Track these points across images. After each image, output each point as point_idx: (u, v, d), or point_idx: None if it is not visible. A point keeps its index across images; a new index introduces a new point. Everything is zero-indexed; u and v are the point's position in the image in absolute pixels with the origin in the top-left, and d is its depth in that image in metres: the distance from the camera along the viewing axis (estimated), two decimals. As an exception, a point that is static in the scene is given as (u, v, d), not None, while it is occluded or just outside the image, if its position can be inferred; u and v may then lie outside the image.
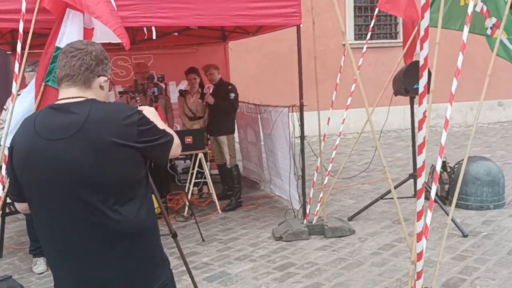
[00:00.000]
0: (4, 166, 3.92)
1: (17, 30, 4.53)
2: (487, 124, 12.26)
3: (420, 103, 2.38)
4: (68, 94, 1.74)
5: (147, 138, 1.75)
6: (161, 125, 1.97)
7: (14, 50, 5.63)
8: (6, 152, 3.83)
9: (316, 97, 4.76)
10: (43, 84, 3.89)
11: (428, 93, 2.45)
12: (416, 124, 2.62)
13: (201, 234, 4.97)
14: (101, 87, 1.80)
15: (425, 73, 2.35)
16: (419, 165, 2.47)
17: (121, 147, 1.68)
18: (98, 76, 1.77)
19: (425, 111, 2.40)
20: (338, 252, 4.44)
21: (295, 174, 5.34)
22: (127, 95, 5.61)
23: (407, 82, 4.88)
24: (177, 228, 5.40)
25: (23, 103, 4.03)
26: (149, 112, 2.03)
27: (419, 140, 2.43)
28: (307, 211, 5.00)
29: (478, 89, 4.06)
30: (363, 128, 4.66)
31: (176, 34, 6.71)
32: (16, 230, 5.55)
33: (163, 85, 6.97)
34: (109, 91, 3.95)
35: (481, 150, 8.74)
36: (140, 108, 2.09)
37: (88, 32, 4.01)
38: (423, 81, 2.36)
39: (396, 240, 4.68)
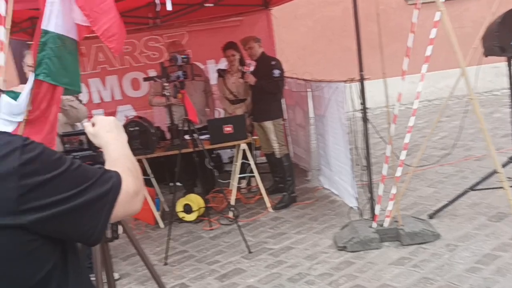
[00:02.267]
0: None
1: (36, 17, 3.85)
2: None
3: None
4: None
5: (43, 200, 0.88)
6: (120, 151, 1.10)
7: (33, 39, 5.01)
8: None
9: (382, 66, 3.72)
10: (33, 78, 3.12)
11: None
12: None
13: (247, 245, 4.12)
14: None
15: None
16: None
17: None
18: None
19: None
20: (421, 269, 3.42)
21: (357, 164, 4.32)
22: (152, 81, 4.81)
23: (503, 38, 3.68)
24: (221, 234, 4.61)
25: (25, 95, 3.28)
26: (102, 130, 1.16)
27: None
28: (376, 212, 4.00)
29: None
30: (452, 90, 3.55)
31: (211, 5, 5.81)
32: None
33: (201, 66, 6.14)
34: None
35: None
36: (86, 125, 1.22)
37: (81, 29, 3.18)
38: None
39: (499, 248, 3.57)
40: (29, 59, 3.52)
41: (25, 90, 3.18)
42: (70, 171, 0.93)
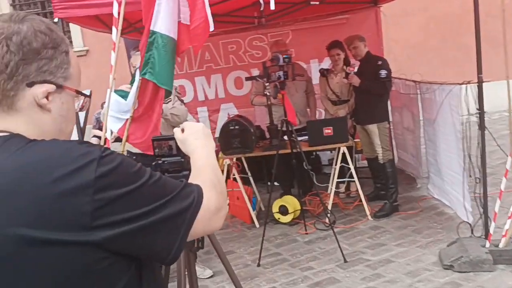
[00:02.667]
0: None
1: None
2: None
3: None
4: None
5: (118, 215, 0.83)
6: (207, 165, 1.05)
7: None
8: (109, 137, 3.41)
9: (505, 66, 3.33)
10: (139, 76, 3.25)
11: None
12: None
13: (342, 253, 3.93)
14: (43, 106, 0.91)
15: None
16: None
17: (47, 247, 0.79)
18: (31, 85, 0.89)
19: None
20: (543, 300, 3.00)
21: (470, 176, 3.91)
22: (254, 81, 4.79)
23: None
24: (316, 239, 4.47)
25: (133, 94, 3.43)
26: (190, 136, 1.12)
27: None
28: (491, 230, 3.59)
29: None
30: None
31: (317, 3, 5.67)
32: None
33: (304, 65, 6.04)
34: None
35: None
36: (176, 130, 1.19)
37: (183, 28, 3.23)
38: None
39: None
40: (135, 60, 3.66)
41: (133, 89, 3.32)
42: (148, 184, 0.88)
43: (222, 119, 6.58)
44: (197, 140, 1.21)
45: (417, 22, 9.21)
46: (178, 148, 1.28)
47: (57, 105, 0.93)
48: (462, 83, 3.76)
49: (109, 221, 0.81)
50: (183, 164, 1.35)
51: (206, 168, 1.09)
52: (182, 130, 1.27)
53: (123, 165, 0.86)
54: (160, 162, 1.38)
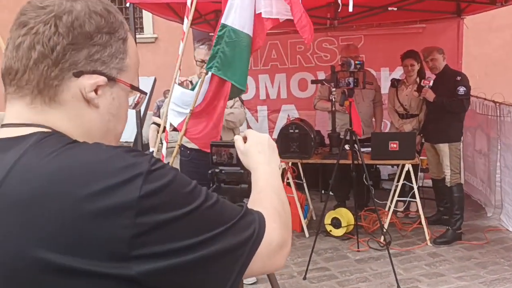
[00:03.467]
0: (165, 145, 3.38)
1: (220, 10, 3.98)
2: None
3: None
4: (10, 114, 0.77)
5: (163, 245, 0.67)
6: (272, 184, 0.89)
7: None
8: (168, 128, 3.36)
9: None
10: (204, 70, 3.14)
11: None
12: None
13: (396, 278, 3.65)
14: (90, 101, 0.77)
15: None
16: None
17: (70, 278, 0.64)
18: (78, 75, 0.75)
19: None
20: None
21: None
22: (319, 84, 4.59)
23: None
24: (369, 258, 4.21)
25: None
26: (253, 148, 0.97)
27: None
28: None
29: None
30: None
31: (395, 9, 5.37)
32: None
33: (373, 72, 5.75)
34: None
35: None
36: (237, 138, 1.04)
37: (259, 19, 3.10)
38: None
39: None
40: (198, 54, 3.56)
41: (199, 82, 3.22)
42: (202, 209, 0.72)
43: (281, 120, 6.41)
44: (260, 154, 1.03)
45: (501, 38, 8.62)
46: (239, 158, 1.12)
47: (107, 101, 0.79)
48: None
49: (150, 251, 0.66)
50: (243, 176, 1.19)
51: (269, 191, 0.92)
52: (244, 139, 1.11)
53: (175, 183, 0.70)
54: (217, 170, 1.22)
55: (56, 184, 0.65)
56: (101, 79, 0.77)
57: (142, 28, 10.59)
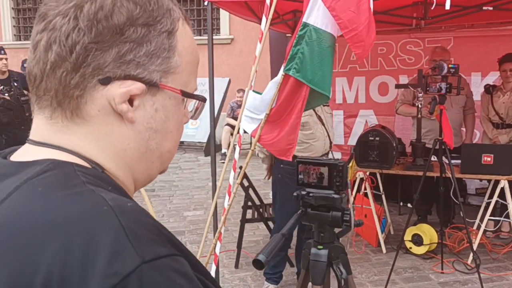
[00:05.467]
0: (238, 150, 3.19)
1: (300, 10, 3.78)
2: None
3: None
4: (32, 128, 0.63)
5: None
6: None
7: (293, 32, 5.02)
8: (242, 132, 3.18)
9: None
10: (282, 72, 2.95)
11: None
12: None
13: (488, 309, 3.26)
14: (123, 115, 0.59)
15: None
16: None
17: None
18: (105, 82, 0.58)
19: None
20: None
21: None
22: (405, 90, 4.24)
23: None
24: (454, 282, 3.83)
25: (270, 90, 3.15)
26: None
27: None
28: None
29: None
30: None
31: (491, 8, 4.88)
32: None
33: (463, 77, 5.27)
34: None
35: None
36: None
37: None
38: None
39: None
40: None
41: (272, 85, 3.04)
42: None
43: (358, 125, 6.11)
44: None
45: None
46: (331, 178, 0.91)
47: (147, 113, 0.61)
48: None
49: None
50: (336, 202, 0.98)
51: None
52: None
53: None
54: (303, 193, 1.02)
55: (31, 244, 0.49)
56: (137, 86, 0.59)
57: (218, 29, 10.64)
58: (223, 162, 3.76)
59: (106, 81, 0.58)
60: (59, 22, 0.57)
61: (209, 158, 6.37)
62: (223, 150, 8.90)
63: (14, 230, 0.50)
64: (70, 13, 0.57)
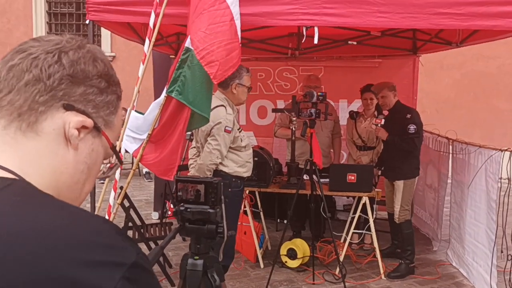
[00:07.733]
0: (119, 170, 3.18)
1: (183, 33, 3.83)
2: None
3: None
4: None
5: None
6: None
7: (176, 54, 5.10)
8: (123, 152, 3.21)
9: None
10: (164, 94, 3.04)
11: None
12: None
13: (351, 313, 3.61)
14: (70, 140, 0.69)
15: None
16: None
17: None
18: (68, 108, 0.69)
19: None
20: None
21: (502, 252, 3.60)
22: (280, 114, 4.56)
23: None
24: (323, 291, 4.13)
25: (152, 111, 3.19)
26: None
27: None
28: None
29: None
30: None
31: (355, 43, 5.49)
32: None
33: (332, 103, 5.81)
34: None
35: None
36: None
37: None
38: None
39: None
40: (248, 81, 3.63)
41: (153, 106, 3.11)
42: None
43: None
44: None
45: (451, 77, 9.01)
46: (207, 195, 1.03)
47: (86, 149, 0.71)
48: (507, 150, 3.49)
49: None
50: (211, 216, 1.10)
51: None
52: None
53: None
54: (182, 208, 1.12)
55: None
56: (89, 122, 0.70)
57: (99, 45, 10.33)
58: (103, 183, 3.69)
59: (68, 107, 0.68)
60: (43, 56, 0.67)
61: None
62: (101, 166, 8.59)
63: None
64: (55, 52, 0.68)
